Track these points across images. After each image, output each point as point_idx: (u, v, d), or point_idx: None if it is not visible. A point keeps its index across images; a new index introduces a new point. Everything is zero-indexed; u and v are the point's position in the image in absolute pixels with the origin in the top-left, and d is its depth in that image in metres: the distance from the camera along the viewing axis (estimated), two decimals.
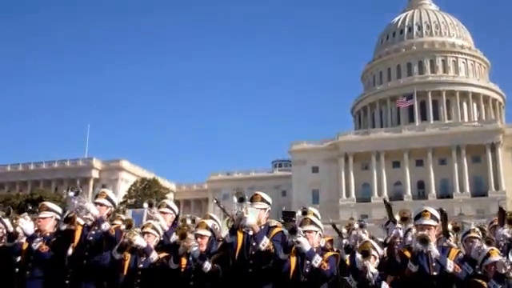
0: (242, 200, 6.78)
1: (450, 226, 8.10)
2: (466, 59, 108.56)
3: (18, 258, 7.68)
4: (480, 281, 6.54)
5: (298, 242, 6.49)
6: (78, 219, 7.43)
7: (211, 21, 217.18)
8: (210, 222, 7.66)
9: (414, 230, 7.37)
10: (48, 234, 7.67)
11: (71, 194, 7.23)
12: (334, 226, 8.65)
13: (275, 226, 7.20)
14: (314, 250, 6.63)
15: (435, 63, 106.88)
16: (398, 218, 8.22)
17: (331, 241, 8.54)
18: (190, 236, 7.13)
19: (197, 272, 6.98)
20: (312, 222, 6.98)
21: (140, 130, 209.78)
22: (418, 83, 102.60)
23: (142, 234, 7.36)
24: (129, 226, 7.07)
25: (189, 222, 9.06)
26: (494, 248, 6.87)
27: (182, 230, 7.30)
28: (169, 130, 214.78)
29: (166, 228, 8.29)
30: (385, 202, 8.71)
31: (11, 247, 7.66)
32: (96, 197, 7.71)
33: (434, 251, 6.41)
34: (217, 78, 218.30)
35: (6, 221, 8.12)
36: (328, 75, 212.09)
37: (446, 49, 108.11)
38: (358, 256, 6.49)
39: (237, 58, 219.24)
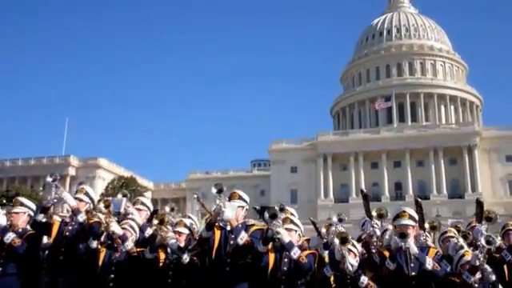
0: (220, 191, 6.71)
1: (426, 225, 8.13)
2: (444, 62, 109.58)
3: None
4: (455, 279, 6.59)
5: (278, 233, 6.44)
6: (56, 217, 7.34)
7: (187, 16, 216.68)
8: (188, 221, 7.63)
9: (390, 229, 7.42)
10: (20, 230, 7.51)
11: (49, 179, 7.17)
12: (313, 224, 8.59)
13: (253, 225, 7.18)
14: (293, 242, 6.58)
15: (414, 65, 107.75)
16: (374, 214, 8.25)
17: (308, 240, 8.53)
18: (168, 227, 7.11)
19: (175, 266, 6.92)
20: (292, 221, 6.93)
21: (118, 129, 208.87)
22: (396, 85, 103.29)
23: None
24: (106, 207, 7.02)
25: (167, 209, 9.01)
26: (469, 250, 6.94)
27: (162, 215, 7.29)
28: (147, 128, 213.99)
29: (141, 222, 8.24)
30: (362, 192, 8.69)
31: None
32: (76, 192, 7.63)
33: (413, 248, 6.43)
34: (196, 76, 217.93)
35: None
36: (308, 75, 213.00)
37: (425, 51, 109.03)
38: (336, 241, 6.44)
39: (216, 55, 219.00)
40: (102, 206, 7.12)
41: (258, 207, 8.63)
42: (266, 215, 6.62)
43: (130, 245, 7.09)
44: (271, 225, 6.47)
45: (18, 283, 7.27)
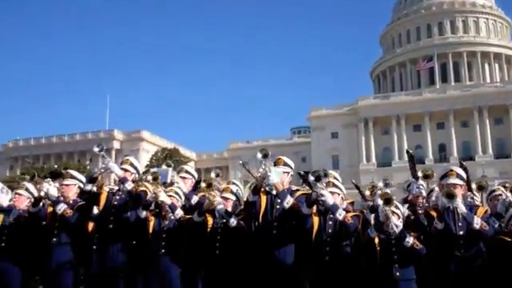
0: (265, 156, 6.78)
1: (474, 186, 7.97)
2: (487, 19, 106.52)
3: (43, 223, 7.77)
4: (506, 237, 6.48)
5: (322, 195, 6.49)
6: (104, 187, 7.53)
7: None
8: (234, 187, 7.71)
9: (437, 189, 7.34)
10: (71, 201, 7.74)
11: (96, 149, 7.39)
12: (357, 187, 8.57)
13: (298, 190, 7.24)
14: (337, 204, 6.63)
15: (455, 23, 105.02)
16: (420, 175, 8.15)
17: (352, 203, 8.53)
18: (216, 191, 7.21)
19: (223, 230, 7.05)
20: (334, 185, 6.96)
21: (159, 100, 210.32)
22: (438, 45, 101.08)
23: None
24: (155, 179, 7.18)
25: (213, 175, 9.13)
26: None
27: (209, 180, 7.39)
28: (188, 99, 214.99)
29: (186, 190, 8.37)
30: (408, 152, 8.54)
31: (36, 212, 7.75)
32: (121, 164, 7.80)
33: (461, 207, 6.36)
34: (235, 45, 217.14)
35: (30, 185, 8.24)
36: (346, 39, 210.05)
37: (466, 8, 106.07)
38: (380, 203, 6.43)
39: (254, 24, 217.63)
40: (150, 178, 7.25)
41: (302, 172, 8.64)
42: (311, 178, 6.65)
43: (179, 213, 7.23)
44: (315, 187, 6.50)
45: (72, 251, 7.53)
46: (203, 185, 7.61)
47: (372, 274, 6.55)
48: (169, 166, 8.88)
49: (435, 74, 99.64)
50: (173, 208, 7.23)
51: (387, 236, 6.40)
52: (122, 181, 7.27)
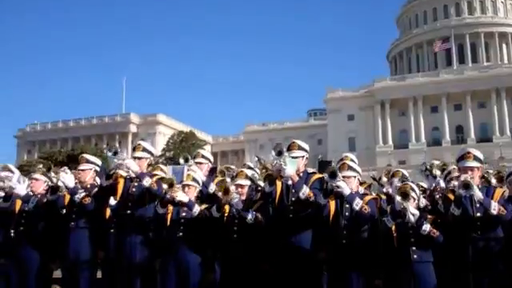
0: (280, 154, 6.74)
1: (493, 181, 7.78)
2: None
3: (63, 211, 7.82)
4: None
5: (338, 187, 6.50)
6: (120, 172, 7.54)
7: None
8: (249, 172, 7.69)
9: (455, 173, 7.28)
10: (88, 186, 7.79)
11: (109, 154, 7.27)
12: (374, 179, 8.51)
13: (314, 173, 7.21)
14: (354, 193, 6.63)
15: (473, 4, 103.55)
16: (438, 173, 8.08)
17: (370, 186, 8.51)
18: (232, 188, 7.18)
19: (240, 220, 7.07)
20: (350, 168, 6.93)
21: (176, 83, 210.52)
22: (455, 25, 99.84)
23: (183, 186, 7.44)
24: (171, 185, 7.13)
25: (228, 179, 9.07)
26: None
27: (224, 184, 7.35)
28: (204, 82, 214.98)
29: (204, 178, 8.38)
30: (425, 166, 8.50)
31: (55, 200, 7.81)
32: (133, 150, 7.76)
33: (478, 195, 6.32)
34: (250, 26, 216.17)
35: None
36: (363, 20, 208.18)
37: None
38: (397, 198, 6.42)
39: (268, 4, 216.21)
40: (165, 186, 7.20)
41: (320, 159, 8.62)
42: (326, 175, 6.64)
43: (197, 211, 7.24)
44: (331, 182, 6.52)
45: (90, 236, 7.60)
46: (219, 193, 7.54)
47: (389, 256, 6.55)
48: (186, 160, 8.76)
49: (452, 55, 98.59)
50: (190, 206, 7.24)
51: (404, 222, 6.41)
52: (140, 177, 7.24)
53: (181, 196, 7.20)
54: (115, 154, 7.23)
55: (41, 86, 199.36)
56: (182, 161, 8.81)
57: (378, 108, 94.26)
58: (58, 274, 8.48)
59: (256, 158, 8.90)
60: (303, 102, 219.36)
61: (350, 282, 6.49)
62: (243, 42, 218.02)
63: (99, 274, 9.28)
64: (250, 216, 6.98)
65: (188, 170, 8.21)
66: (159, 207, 7.28)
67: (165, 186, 7.17)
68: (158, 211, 7.31)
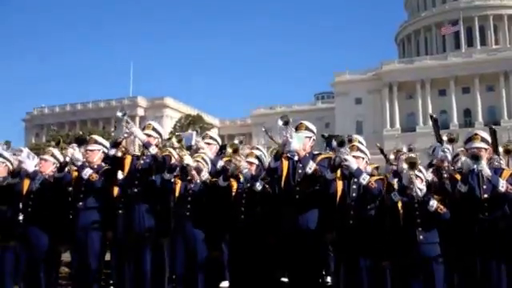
0: (286, 123, 6.73)
1: (500, 149, 7.82)
2: None
3: (70, 189, 7.85)
4: None
5: (346, 160, 6.47)
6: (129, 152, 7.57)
7: None
8: (258, 152, 7.73)
9: (463, 158, 7.27)
10: (96, 166, 7.79)
11: (119, 114, 7.31)
12: (381, 150, 8.50)
13: (320, 153, 7.22)
14: (361, 169, 6.61)
15: None
16: (444, 139, 8.05)
17: (377, 168, 8.50)
18: (241, 156, 7.21)
19: (248, 194, 7.09)
20: (358, 149, 6.95)
21: (182, 67, 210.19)
22: (463, 8, 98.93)
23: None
24: (179, 141, 7.19)
25: (236, 141, 9.12)
26: None
27: (235, 145, 7.39)
28: (211, 65, 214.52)
29: (212, 157, 8.43)
30: (431, 117, 8.41)
31: (62, 177, 7.81)
32: (143, 129, 7.77)
33: (486, 170, 6.31)
34: (257, 9, 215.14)
35: (56, 151, 8.33)
36: (371, 2, 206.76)
37: None
38: (405, 166, 6.40)
39: None
40: (174, 140, 7.24)
41: (325, 135, 8.60)
42: (334, 143, 6.64)
43: (205, 175, 7.27)
44: (339, 152, 6.49)
45: (98, 216, 7.60)
46: (229, 150, 7.61)
47: (396, 237, 6.58)
48: (195, 131, 8.88)
49: (461, 37, 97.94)
50: (198, 170, 7.26)
51: (410, 199, 6.42)
52: (146, 145, 7.25)
53: (188, 160, 7.22)
54: (124, 114, 7.28)
55: (48, 69, 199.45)
56: (190, 131, 8.88)
57: (385, 91, 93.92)
58: (66, 256, 8.55)
59: (263, 129, 8.90)
60: (311, 85, 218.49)
61: (357, 263, 6.52)
62: (250, 24, 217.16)
63: (107, 257, 9.39)
64: (257, 184, 6.98)
65: (196, 143, 8.27)
66: (166, 173, 7.30)
67: (175, 143, 7.19)
68: (164, 177, 7.32)
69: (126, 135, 7.35)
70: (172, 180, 7.41)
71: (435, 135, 7.64)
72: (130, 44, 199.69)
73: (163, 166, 7.30)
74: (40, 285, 7.74)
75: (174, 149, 7.67)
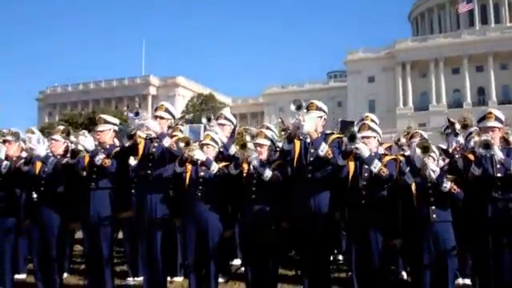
0: (299, 108, 6.67)
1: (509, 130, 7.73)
2: None
3: (84, 173, 7.83)
4: None
5: (357, 149, 6.44)
6: (140, 134, 7.55)
7: None
8: (268, 132, 7.65)
9: (475, 137, 7.21)
10: (108, 146, 7.79)
11: (131, 115, 7.27)
12: (395, 143, 8.40)
13: (332, 133, 7.18)
14: (373, 155, 6.57)
15: None
16: (458, 127, 7.97)
17: (390, 147, 8.45)
18: (250, 145, 7.16)
19: (258, 179, 7.06)
20: (370, 128, 6.87)
21: (194, 46, 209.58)
22: None
23: (201, 146, 7.44)
24: (187, 144, 7.11)
25: (248, 138, 9.06)
26: None
27: (242, 140, 7.34)
28: (223, 44, 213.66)
29: (225, 140, 8.41)
30: (449, 120, 8.36)
31: (75, 163, 7.80)
32: (155, 110, 7.76)
33: (498, 154, 6.23)
34: None
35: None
36: None
37: None
38: (418, 151, 6.33)
39: None
40: (182, 145, 7.17)
41: (339, 120, 8.54)
42: (345, 139, 6.59)
43: (215, 169, 7.27)
44: (350, 145, 6.47)
45: (111, 196, 7.62)
46: (236, 148, 7.55)
47: (409, 216, 6.57)
48: (209, 119, 8.75)
49: (475, 15, 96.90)
50: (208, 164, 7.25)
51: (423, 180, 6.40)
52: (160, 137, 7.23)
53: (198, 154, 7.22)
54: (136, 114, 7.23)
55: (61, 49, 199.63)
56: (204, 120, 8.81)
57: (398, 69, 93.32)
58: (80, 234, 8.61)
59: (279, 120, 8.83)
60: (323, 64, 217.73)
61: (368, 242, 6.52)
62: (263, 3, 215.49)
63: (121, 235, 9.47)
64: (266, 173, 6.93)
65: (207, 130, 8.23)
66: (177, 166, 7.32)
67: (181, 145, 7.16)
68: (176, 170, 7.34)
69: (139, 127, 7.32)
70: (183, 171, 7.39)
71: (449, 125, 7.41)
72: (142, 22, 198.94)
73: (175, 157, 7.29)
74: (52, 262, 7.80)
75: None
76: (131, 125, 7.36)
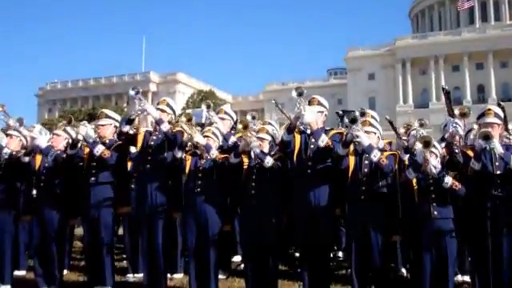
0: (300, 94, 6.65)
1: (510, 126, 7.76)
2: None
3: (82, 164, 7.82)
4: None
5: (357, 136, 6.44)
6: (141, 128, 7.57)
7: None
8: (270, 128, 7.66)
9: (475, 128, 7.22)
10: (107, 141, 7.80)
11: (132, 92, 7.29)
12: (391, 124, 8.42)
13: (332, 129, 7.20)
14: (373, 145, 6.55)
15: None
16: (456, 113, 7.98)
17: (390, 143, 8.45)
18: (252, 132, 7.16)
19: (258, 170, 7.06)
20: (371, 124, 6.88)
21: (195, 42, 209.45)
22: None
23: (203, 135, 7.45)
24: (189, 120, 7.12)
25: (249, 117, 9.06)
26: None
27: (245, 122, 7.32)
28: (224, 41, 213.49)
29: (224, 132, 8.43)
30: (443, 89, 8.31)
31: (74, 154, 7.81)
32: (157, 104, 7.80)
33: (498, 148, 6.24)
34: None
35: (68, 129, 8.34)
36: None
37: None
38: (419, 146, 6.33)
39: None
40: (183, 119, 7.19)
41: (340, 112, 8.56)
42: (346, 120, 6.60)
43: (214, 153, 7.25)
44: (351, 129, 6.45)
45: (111, 191, 7.63)
46: (239, 126, 7.58)
47: (409, 212, 6.58)
48: (208, 106, 8.81)
49: (475, 13, 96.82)
50: (208, 148, 7.24)
51: (425, 176, 6.39)
52: (158, 122, 7.25)
53: (199, 138, 7.23)
54: (137, 93, 7.27)
55: (61, 45, 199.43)
56: (203, 107, 8.85)
57: (399, 67, 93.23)
58: (81, 231, 8.62)
59: (273, 101, 8.84)
60: (323, 61, 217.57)
61: (368, 238, 6.52)
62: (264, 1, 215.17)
63: (120, 231, 9.48)
64: (267, 159, 6.90)
65: (208, 119, 8.23)
66: (177, 151, 7.31)
67: (183, 119, 7.14)
68: (175, 155, 7.33)
69: (139, 112, 7.34)
70: (183, 157, 7.39)
71: (447, 108, 7.53)
72: (142, 19, 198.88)
73: (174, 143, 7.29)
74: (52, 258, 7.81)
75: (186, 125, 7.63)
76: (131, 109, 7.35)
